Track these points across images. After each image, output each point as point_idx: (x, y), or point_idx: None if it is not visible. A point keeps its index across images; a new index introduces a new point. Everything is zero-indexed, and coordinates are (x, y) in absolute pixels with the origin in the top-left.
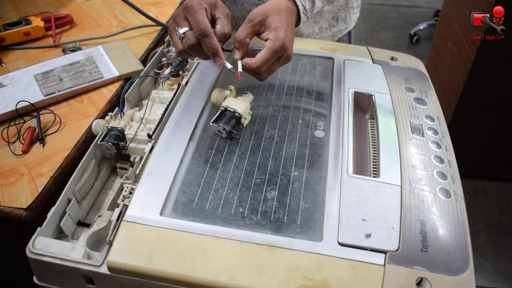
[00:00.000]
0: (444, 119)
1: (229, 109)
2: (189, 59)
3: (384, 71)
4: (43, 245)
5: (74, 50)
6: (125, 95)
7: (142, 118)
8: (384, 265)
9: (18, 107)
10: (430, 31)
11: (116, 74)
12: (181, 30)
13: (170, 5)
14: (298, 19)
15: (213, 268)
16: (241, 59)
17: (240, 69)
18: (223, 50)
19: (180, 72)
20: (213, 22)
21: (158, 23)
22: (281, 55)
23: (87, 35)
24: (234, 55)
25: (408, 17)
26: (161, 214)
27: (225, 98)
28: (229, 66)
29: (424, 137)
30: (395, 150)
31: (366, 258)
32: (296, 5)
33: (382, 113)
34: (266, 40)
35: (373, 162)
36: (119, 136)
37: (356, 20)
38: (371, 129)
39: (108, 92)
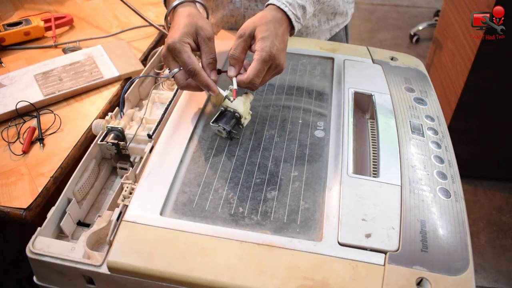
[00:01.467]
0: (444, 119)
1: (229, 109)
2: None
3: (384, 71)
4: (43, 245)
5: (74, 50)
6: (125, 95)
7: (142, 118)
8: (384, 265)
9: (18, 107)
10: (430, 31)
11: (116, 74)
12: (172, 72)
13: None
14: (292, 27)
15: (213, 268)
16: (236, 76)
17: (235, 86)
18: (220, 71)
19: None
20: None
21: (154, 26)
22: (271, 65)
23: (87, 35)
24: (229, 71)
25: (408, 17)
26: (161, 214)
27: (225, 98)
28: (224, 93)
29: (424, 137)
30: (395, 150)
31: (366, 258)
32: (287, 15)
33: (382, 113)
34: (254, 52)
35: (373, 162)
36: (119, 136)
37: (351, 16)
38: (371, 129)
39: (108, 92)
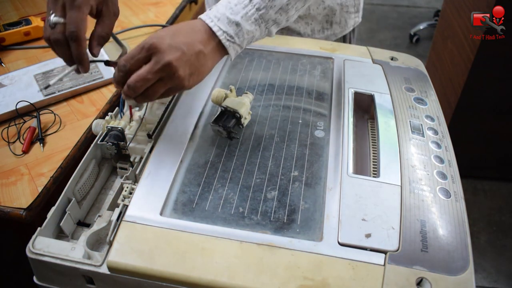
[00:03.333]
0: (444, 119)
1: (229, 109)
2: None
3: (384, 71)
4: (43, 245)
5: None
6: None
7: (142, 118)
8: (384, 265)
9: (18, 107)
10: (430, 31)
11: None
12: (53, 19)
13: (170, 5)
14: (224, 47)
15: (213, 268)
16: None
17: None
18: (93, 61)
19: None
20: (99, 16)
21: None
22: (151, 57)
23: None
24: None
25: (408, 17)
26: (161, 214)
27: (225, 98)
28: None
29: (424, 137)
30: (395, 150)
31: (366, 258)
32: (212, 31)
33: (382, 113)
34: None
35: (373, 162)
36: (119, 136)
37: (354, 25)
38: (371, 129)
39: (108, 92)
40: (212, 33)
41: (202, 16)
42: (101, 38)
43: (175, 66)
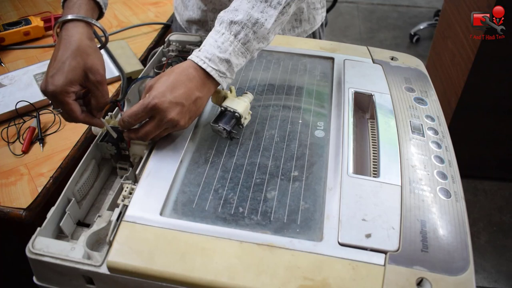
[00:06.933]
0: (444, 119)
1: (229, 109)
2: None
3: (384, 71)
4: (42, 245)
5: None
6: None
7: None
8: (384, 265)
9: (18, 107)
10: (430, 31)
11: (116, 74)
12: (56, 109)
13: (170, 4)
14: (217, 81)
15: (213, 268)
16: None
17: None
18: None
19: None
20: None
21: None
22: (155, 116)
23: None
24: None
25: (408, 17)
26: (161, 214)
27: (225, 98)
28: (107, 126)
29: (424, 137)
30: (395, 150)
31: (366, 258)
32: (205, 71)
33: (382, 113)
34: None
35: (373, 162)
36: (119, 136)
37: (322, 20)
38: (371, 129)
39: (108, 92)
40: (205, 74)
41: (193, 58)
42: (95, 111)
43: (177, 119)
